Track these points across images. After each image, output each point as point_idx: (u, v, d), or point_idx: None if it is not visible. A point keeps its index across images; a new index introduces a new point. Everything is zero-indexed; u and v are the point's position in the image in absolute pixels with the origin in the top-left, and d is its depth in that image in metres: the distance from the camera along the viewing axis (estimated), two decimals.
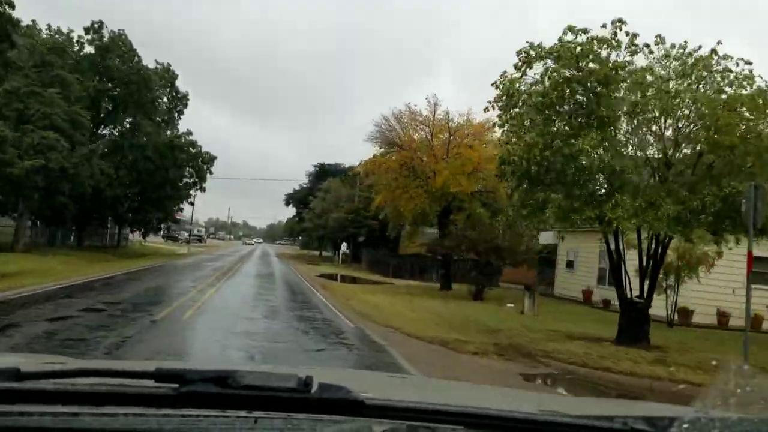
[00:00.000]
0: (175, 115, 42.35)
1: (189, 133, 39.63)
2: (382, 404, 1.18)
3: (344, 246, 61.10)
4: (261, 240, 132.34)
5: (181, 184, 40.57)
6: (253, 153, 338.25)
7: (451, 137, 27.24)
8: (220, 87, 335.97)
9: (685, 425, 1.20)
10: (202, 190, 42.03)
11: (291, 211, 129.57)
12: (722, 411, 1.29)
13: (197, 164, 39.55)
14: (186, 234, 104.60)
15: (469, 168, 25.30)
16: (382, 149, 30.76)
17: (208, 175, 41.09)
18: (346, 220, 52.06)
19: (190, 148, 38.46)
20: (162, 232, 58.09)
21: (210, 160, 40.34)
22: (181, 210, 43.08)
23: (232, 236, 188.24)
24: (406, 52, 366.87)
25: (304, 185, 77.99)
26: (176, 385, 1.10)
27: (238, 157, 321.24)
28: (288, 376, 1.15)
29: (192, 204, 42.07)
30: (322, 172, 74.38)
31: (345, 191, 62.71)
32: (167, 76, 40.82)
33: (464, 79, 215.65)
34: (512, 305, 22.30)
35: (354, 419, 1.13)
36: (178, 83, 41.20)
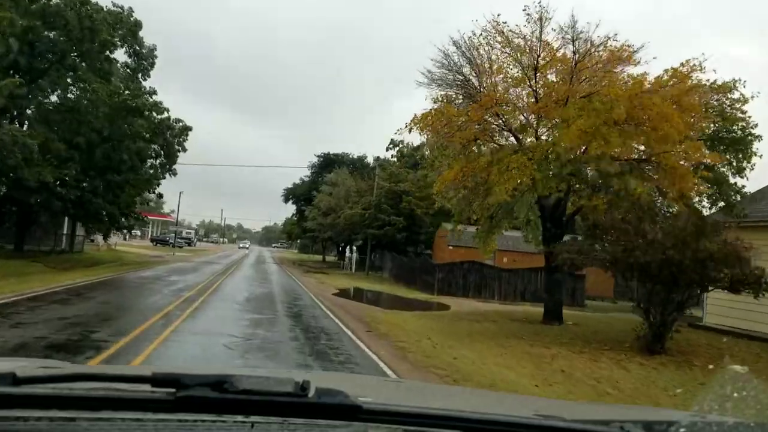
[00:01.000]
0: (138, 76, 31.14)
1: (152, 92, 28.25)
2: (379, 409, 1.17)
3: (351, 250, 49.95)
4: (248, 244, 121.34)
5: (144, 168, 29.24)
6: (250, 152, 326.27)
7: (581, 62, 15.99)
8: (215, 85, 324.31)
9: (682, 429, 1.22)
10: (172, 173, 30.75)
11: (289, 210, 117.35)
12: (719, 415, 1.29)
13: (164, 137, 28.30)
14: (179, 238, 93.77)
15: (621, 115, 14.09)
16: (440, 101, 19.53)
17: (180, 153, 29.90)
18: (362, 218, 40.83)
19: (153, 114, 27.12)
20: (120, 233, 47.06)
21: (183, 132, 29.11)
22: (147, 203, 31.58)
23: (225, 239, 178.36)
24: (405, 47, 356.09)
25: (306, 179, 66.86)
26: (173, 390, 1.09)
27: (237, 156, 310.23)
28: (285, 380, 1.14)
29: (159, 196, 30.70)
30: (327, 163, 63.27)
31: (357, 184, 51.85)
32: (126, 21, 29.61)
33: None
34: (743, 369, 11.23)
35: (351, 424, 1.12)
36: (145, 36, 30.00)
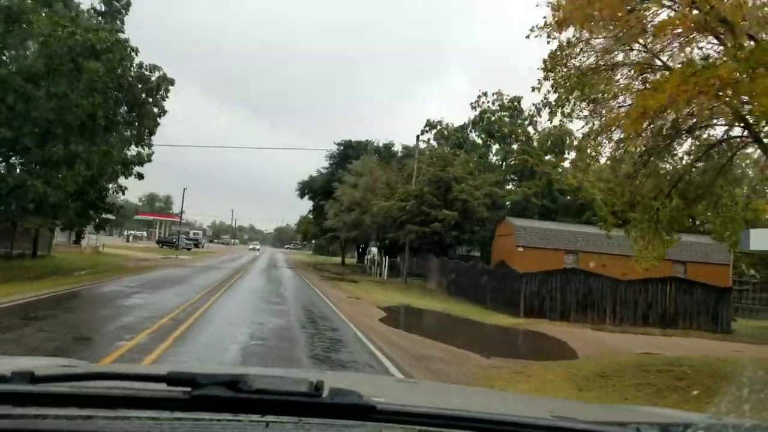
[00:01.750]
0: (107, 21, 22.73)
1: (117, 29, 19.60)
2: (393, 409, 1.18)
3: (383, 253, 41.40)
4: (258, 246, 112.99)
5: (112, 139, 20.70)
6: (263, 154, 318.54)
7: None
8: (227, 85, 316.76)
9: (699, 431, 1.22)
10: (144, 146, 22.18)
11: (304, 207, 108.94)
12: (736, 417, 1.27)
13: (132, 92, 19.76)
14: (185, 239, 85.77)
15: None
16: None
17: (160, 116, 21.38)
18: (401, 212, 32.23)
19: (120, 59, 18.53)
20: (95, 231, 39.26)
21: (161, 85, 20.50)
22: (120, 190, 23.26)
23: (236, 240, 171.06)
24: (416, 49, 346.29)
25: (324, 170, 58.35)
26: (189, 389, 1.10)
27: (249, 155, 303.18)
28: (299, 380, 1.14)
29: (140, 177, 22.42)
30: (349, 152, 54.70)
31: (387, 174, 43.42)
32: None
33: (474, 76, 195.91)
34: None
35: (365, 424, 1.12)
36: None
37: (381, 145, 56.55)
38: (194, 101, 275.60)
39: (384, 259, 39.62)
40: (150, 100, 20.71)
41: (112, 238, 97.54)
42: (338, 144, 57.28)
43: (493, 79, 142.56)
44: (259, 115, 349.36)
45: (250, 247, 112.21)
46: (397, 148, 57.41)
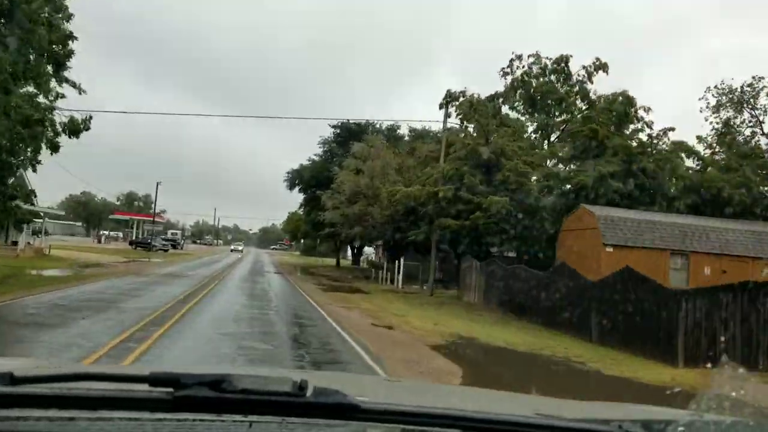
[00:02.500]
0: None
1: None
2: (377, 408, 1.16)
3: (398, 254, 33.25)
4: (241, 246, 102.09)
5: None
6: (243, 152, 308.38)
7: None
8: (209, 83, 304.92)
9: (681, 428, 1.22)
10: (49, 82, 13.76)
11: (290, 205, 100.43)
12: (717, 414, 1.26)
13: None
14: (161, 239, 76.74)
15: None
16: None
17: (70, 44, 13.12)
18: (429, 198, 24.02)
19: None
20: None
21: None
22: (30, 164, 14.58)
23: (220, 241, 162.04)
24: (405, 41, 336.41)
25: (317, 158, 49.92)
26: (171, 390, 1.08)
27: (228, 157, 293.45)
28: (283, 379, 1.13)
29: (36, 163, 13.80)
30: (347, 136, 46.38)
31: (402, 159, 35.61)
32: None
33: (465, 69, 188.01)
34: None
35: (349, 423, 1.11)
36: None
37: (383, 128, 48.21)
38: (175, 97, 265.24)
39: (398, 262, 31.32)
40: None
41: (85, 239, 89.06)
42: (334, 127, 48.86)
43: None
44: (242, 111, 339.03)
45: (232, 247, 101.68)
46: (403, 131, 49.30)
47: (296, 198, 57.24)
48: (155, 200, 70.28)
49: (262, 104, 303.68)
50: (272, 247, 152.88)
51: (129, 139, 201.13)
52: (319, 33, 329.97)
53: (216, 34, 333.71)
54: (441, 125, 28.16)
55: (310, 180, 47.43)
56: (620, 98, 27.70)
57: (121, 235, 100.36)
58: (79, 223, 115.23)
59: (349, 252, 64.66)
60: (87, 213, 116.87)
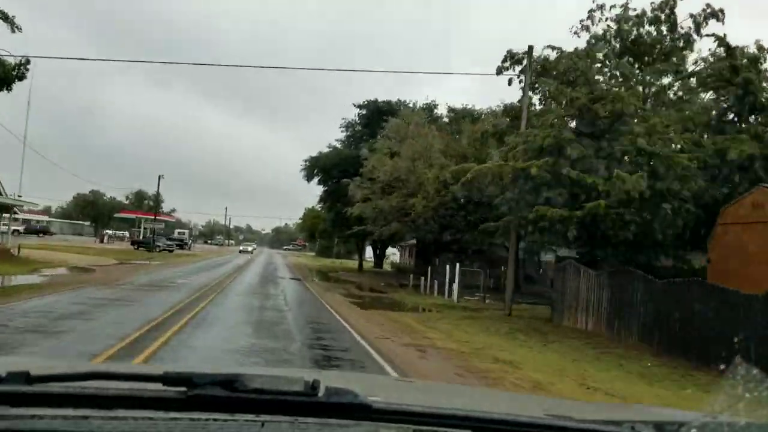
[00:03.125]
0: None
1: None
2: (389, 408, 1.17)
3: (460, 259, 26.07)
4: (253, 247, 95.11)
5: None
6: (258, 155, 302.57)
7: None
8: (220, 82, 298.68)
9: (693, 430, 1.20)
10: None
11: (307, 199, 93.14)
12: (731, 416, 1.25)
13: None
14: (165, 239, 69.85)
15: None
16: None
17: None
18: (513, 180, 16.72)
19: None
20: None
21: None
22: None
23: (232, 241, 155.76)
24: (415, 35, 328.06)
25: (339, 144, 42.76)
26: (184, 389, 1.09)
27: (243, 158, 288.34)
28: (295, 379, 1.14)
29: None
30: (376, 116, 39.19)
31: (443, 137, 28.46)
32: None
33: (475, 64, 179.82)
34: None
35: (361, 423, 1.11)
36: None
37: (418, 106, 40.88)
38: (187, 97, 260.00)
39: (454, 267, 24.01)
40: None
41: (90, 239, 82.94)
42: (359, 107, 41.60)
43: None
44: (254, 109, 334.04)
45: (241, 248, 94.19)
46: (441, 110, 42.01)
47: (314, 191, 50.16)
48: (157, 194, 63.52)
49: (274, 100, 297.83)
50: (285, 247, 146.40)
51: (138, 137, 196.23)
52: (330, 25, 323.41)
53: (227, 25, 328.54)
54: (484, 99, 20.88)
55: (332, 169, 40.21)
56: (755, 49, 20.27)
57: (127, 234, 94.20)
58: (87, 223, 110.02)
59: (368, 253, 57.56)
60: (95, 212, 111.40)
